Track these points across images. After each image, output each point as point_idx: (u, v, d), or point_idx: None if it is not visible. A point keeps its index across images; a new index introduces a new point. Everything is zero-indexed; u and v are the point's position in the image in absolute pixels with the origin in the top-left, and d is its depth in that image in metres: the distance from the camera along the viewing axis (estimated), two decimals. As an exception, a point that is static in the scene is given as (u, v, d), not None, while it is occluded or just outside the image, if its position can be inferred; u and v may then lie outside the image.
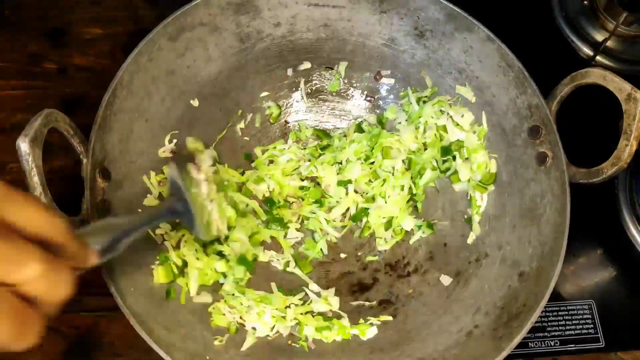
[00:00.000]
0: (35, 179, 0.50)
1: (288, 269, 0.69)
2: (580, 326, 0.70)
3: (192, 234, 0.63)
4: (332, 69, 0.74)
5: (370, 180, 0.72)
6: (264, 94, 0.74)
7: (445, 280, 0.67)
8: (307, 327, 0.64)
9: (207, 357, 0.58)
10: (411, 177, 0.71)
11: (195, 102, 0.69)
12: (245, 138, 0.74)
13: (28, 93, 0.76)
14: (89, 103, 0.73)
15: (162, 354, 0.53)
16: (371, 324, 0.65)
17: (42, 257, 0.34)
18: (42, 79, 0.77)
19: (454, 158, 0.70)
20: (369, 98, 0.76)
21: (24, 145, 0.50)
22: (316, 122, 0.76)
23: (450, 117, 0.70)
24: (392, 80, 0.74)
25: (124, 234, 0.46)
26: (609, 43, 0.80)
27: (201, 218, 0.55)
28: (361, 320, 0.66)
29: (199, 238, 0.59)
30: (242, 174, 0.72)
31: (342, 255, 0.71)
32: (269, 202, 0.71)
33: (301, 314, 0.65)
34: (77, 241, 0.39)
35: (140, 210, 0.64)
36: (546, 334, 0.69)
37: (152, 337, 0.53)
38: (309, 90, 0.75)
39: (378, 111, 0.76)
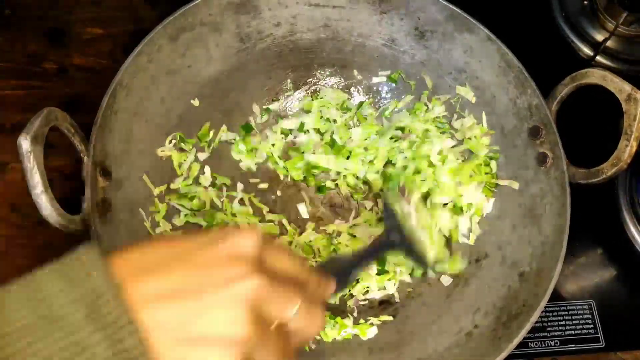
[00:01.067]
0: (36, 178, 0.50)
1: None
2: (580, 326, 0.70)
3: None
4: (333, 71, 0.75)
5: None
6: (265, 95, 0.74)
7: (446, 280, 0.67)
8: None
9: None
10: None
11: (195, 102, 0.69)
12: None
13: (28, 93, 0.76)
14: (89, 103, 0.73)
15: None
16: (371, 324, 0.65)
17: (303, 296, 0.39)
18: (42, 79, 0.77)
19: None
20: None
21: (25, 143, 0.50)
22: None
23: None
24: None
25: (348, 270, 0.51)
26: (609, 43, 0.79)
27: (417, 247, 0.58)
28: (361, 320, 0.66)
29: (422, 268, 0.63)
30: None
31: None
32: None
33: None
34: (319, 274, 0.44)
35: (141, 210, 0.64)
36: (546, 334, 0.69)
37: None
38: (309, 91, 0.75)
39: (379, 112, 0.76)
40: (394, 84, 0.74)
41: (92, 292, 0.32)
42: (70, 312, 0.31)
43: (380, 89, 0.75)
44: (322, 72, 0.75)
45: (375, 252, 0.57)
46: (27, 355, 0.30)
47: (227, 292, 0.35)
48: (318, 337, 0.63)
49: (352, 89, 0.76)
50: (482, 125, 0.69)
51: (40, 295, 0.32)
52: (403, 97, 0.74)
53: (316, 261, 0.68)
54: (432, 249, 0.60)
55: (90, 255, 0.34)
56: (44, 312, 0.31)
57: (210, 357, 0.34)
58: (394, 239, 0.57)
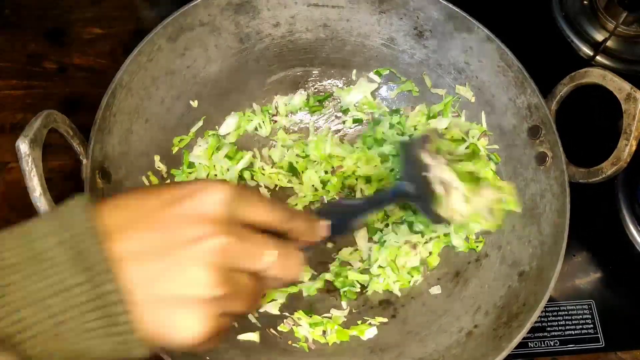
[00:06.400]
0: (34, 180, 0.50)
1: None
2: (580, 326, 0.70)
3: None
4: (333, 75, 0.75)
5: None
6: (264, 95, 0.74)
7: (435, 290, 0.67)
8: (301, 327, 0.64)
9: (207, 358, 0.58)
10: None
11: (194, 103, 0.69)
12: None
13: (28, 93, 0.76)
14: (89, 103, 0.73)
15: (161, 353, 0.53)
16: (371, 324, 0.65)
17: (275, 245, 0.39)
18: (42, 79, 0.77)
19: None
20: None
21: (23, 146, 0.50)
22: (316, 122, 0.76)
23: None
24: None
25: (352, 214, 0.49)
26: (609, 43, 0.79)
27: (435, 202, 0.54)
28: (361, 321, 0.66)
29: (431, 221, 0.59)
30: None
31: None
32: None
33: None
34: (305, 218, 0.44)
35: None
36: (546, 334, 0.69)
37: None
38: (309, 91, 0.75)
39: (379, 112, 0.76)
40: (394, 85, 0.74)
41: (77, 237, 0.34)
42: (56, 254, 0.34)
43: (380, 88, 0.75)
44: (322, 72, 0.75)
45: (387, 200, 0.55)
46: (16, 289, 0.33)
47: (190, 252, 0.35)
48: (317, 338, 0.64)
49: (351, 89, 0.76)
50: (482, 126, 0.69)
51: (31, 237, 0.34)
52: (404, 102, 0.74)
53: (314, 206, 0.67)
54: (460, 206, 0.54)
55: (79, 203, 0.36)
56: (32, 252, 0.34)
57: (179, 318, 0.35)
58: (409, 189, 0.55)
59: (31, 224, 0.35)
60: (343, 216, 0.50)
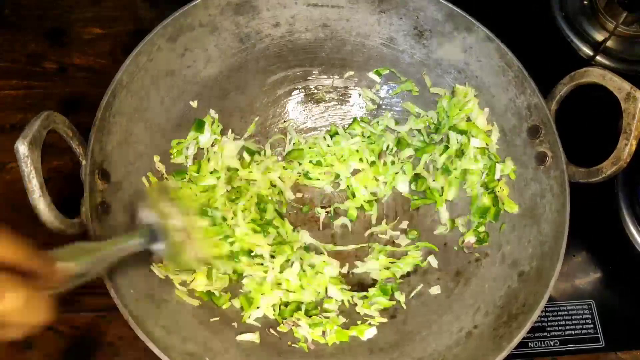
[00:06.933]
0: (33, 182, 0.50)
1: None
2: (580, 326, 0.70)
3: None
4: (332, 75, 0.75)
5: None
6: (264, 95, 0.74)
7: (435, 290, 0.67)
8: (300, 327, 0.64)
9: (207, 359, 0.58)
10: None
11: (194, 103, 0.69)
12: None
13: (28, 93, 0.76)
14: (88, 103, 0.73)
15: (160, 355, 0.53)
16: (370, 324, 0.65)
17: (16, 286, 0.35)
18: (42, 79, 0.77)
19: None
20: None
21: (22, 147, 0.49)
22: (315, 122, 0.76)
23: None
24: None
25: (96, 260, 0.48)
26: (609, 43, 0.79)
27: (174, 250, 0.56)
28: (360, 321, 0.66)
29: (171, 266, 0.61)
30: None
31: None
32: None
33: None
34: (46, 259, 0.40)
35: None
36: (546, 334, 0.69)
37: (151, 338, 0.53)
38: (308, 91, 0.75)
39: (378, 112, 0.76)
40: (394, 84, 0.74)
41: None
42: None
43: (380, 88, 0.75)
44: (321, 71, 0.75)
45: (121, 250, 0.53)
46: None
47: None
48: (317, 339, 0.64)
49: (351, 89, 0.76)
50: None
51: None
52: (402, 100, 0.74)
53: None
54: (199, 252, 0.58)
55: None
56: None
57: None
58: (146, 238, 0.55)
59: None
60: (87, 261, 0.47)
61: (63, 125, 0.55)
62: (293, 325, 0.64)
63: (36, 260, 0.38)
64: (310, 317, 0.65)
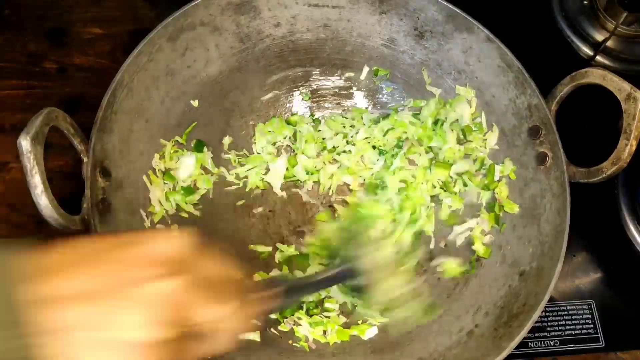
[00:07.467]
0: (36, 177, 0.50)
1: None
2: (580, 326, 0.70)
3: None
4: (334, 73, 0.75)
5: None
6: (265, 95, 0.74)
7: (371, 332, 0.66)
8: (301, 327, 0.64)
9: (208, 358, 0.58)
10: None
11: (195, 103, 0.69)
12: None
13: (28, 93, 0.76)
14: (89, 103, 0.73)
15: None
16: (371, 324, 0.65)
17: (231, 302, 0.38)
18: (42, 79, 0.77)
19: None
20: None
21: (25, 143, 0.50)
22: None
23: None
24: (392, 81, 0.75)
25: (298, 290, 0.52)
26: (609, 43, 0.80)
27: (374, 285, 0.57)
28: (361, 320, 0.66)
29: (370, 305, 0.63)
30: None
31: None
32: None
33: None
34: (259, 283, 0.44)
35: (141, 210, 0.64)
36: (546, 334, 0.69)
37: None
38: (309, 91, 0.75)
39: (379, 111, 0.76)
40: (394, 84, 0.74)
41: None
42: None
43: (380, 88, 0.75)
44: (322, 72, 0.75)
45: (334, 280, 0.56)
46: None
47: (135, 294, 0.33)
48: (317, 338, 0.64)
49: (352, 89, 0.76)
50: (482, 126, 0.69)
51: None
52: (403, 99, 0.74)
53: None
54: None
55: (8, 246, 0.34)
56: None
57: None
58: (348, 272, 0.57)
59: None
60: (290, 289, 0.49)
61: (64, 122, 0.55)
62: (294, 325, 0.64)
63: (240, 282, 0.41)
64: (311, 316, 0.65)
